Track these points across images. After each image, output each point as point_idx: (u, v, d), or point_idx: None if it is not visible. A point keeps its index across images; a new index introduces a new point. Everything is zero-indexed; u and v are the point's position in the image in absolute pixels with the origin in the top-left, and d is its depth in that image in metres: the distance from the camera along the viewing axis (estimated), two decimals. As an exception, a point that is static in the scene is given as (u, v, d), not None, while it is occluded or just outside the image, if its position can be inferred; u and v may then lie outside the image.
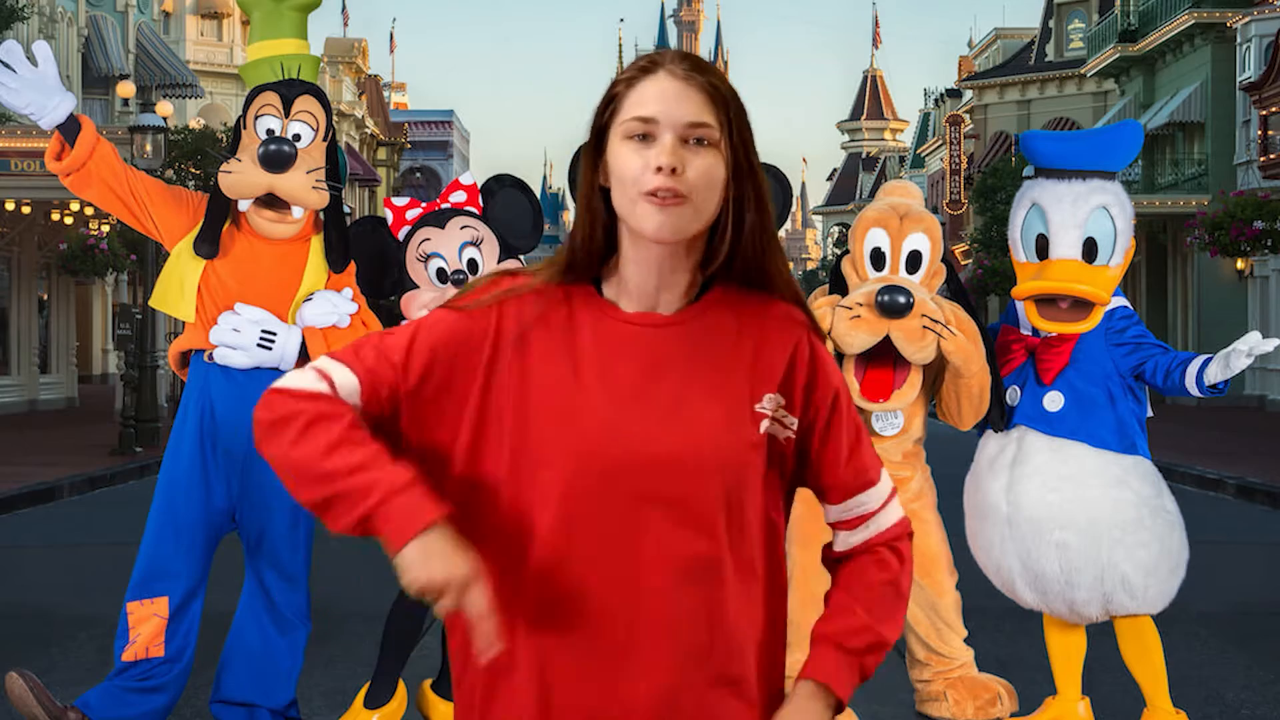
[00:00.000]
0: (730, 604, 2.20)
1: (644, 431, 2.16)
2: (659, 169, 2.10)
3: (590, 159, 2.21)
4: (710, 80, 2.16)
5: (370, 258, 5.68)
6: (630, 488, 2.15)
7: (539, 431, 2.17)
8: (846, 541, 2.36)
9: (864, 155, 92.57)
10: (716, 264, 2.21)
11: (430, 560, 2.03)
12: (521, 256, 5.71)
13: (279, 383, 2.19)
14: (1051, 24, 50.86)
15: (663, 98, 2.14)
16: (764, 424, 2.22)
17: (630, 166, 2.13)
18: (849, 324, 5.55)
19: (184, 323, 5.62)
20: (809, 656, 2.27)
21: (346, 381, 2.17)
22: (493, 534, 2.19)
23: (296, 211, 5.53)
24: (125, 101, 31.97)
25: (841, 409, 2.29)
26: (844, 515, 2.35)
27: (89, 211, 24.41)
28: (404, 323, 2.40)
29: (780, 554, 2.31)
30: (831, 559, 2.39)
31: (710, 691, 2.19)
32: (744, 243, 2.20)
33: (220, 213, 5.51)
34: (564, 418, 2.16)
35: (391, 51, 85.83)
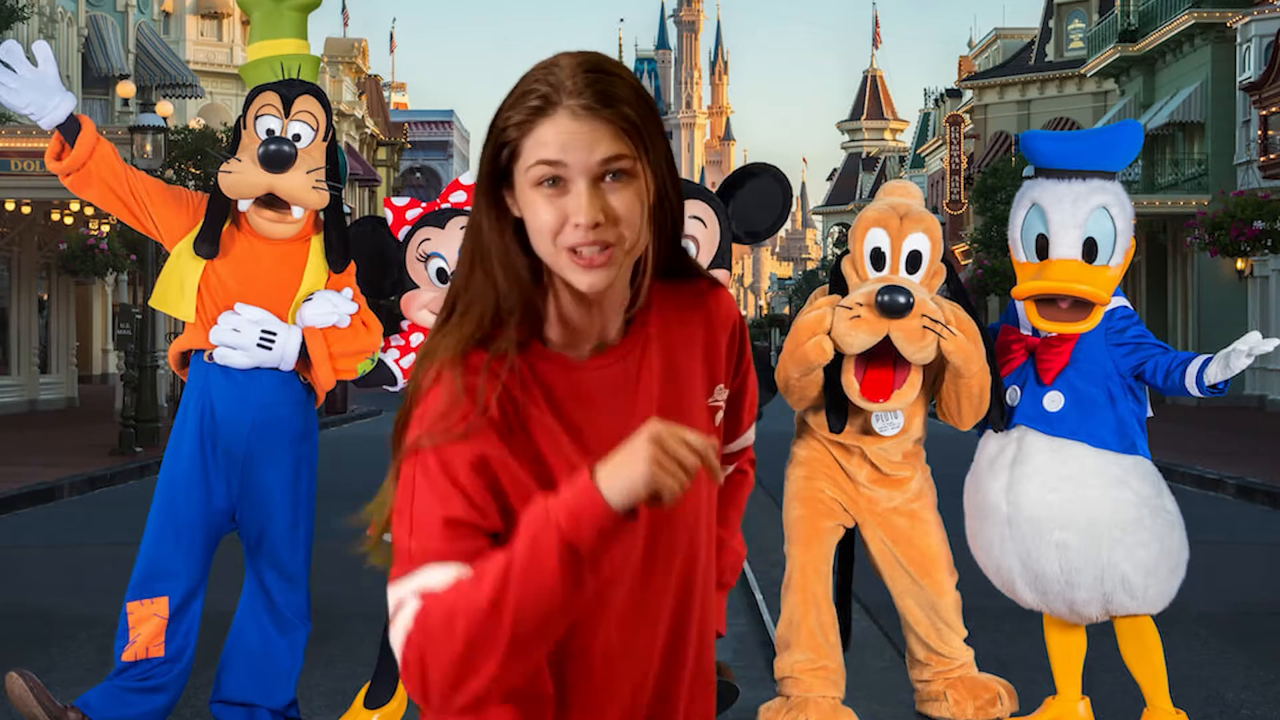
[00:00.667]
0: (709, 601, 2.18)
1: None
2: (578, 225, 1.90)
3: (490, 203, 1.97)
4: (618, 110, 1.91)
5: (370, 258, 5.68)
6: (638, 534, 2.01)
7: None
8: (725, 469, 2.42)
9: (864, 155, 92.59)
10: (644, 280, 2.05)
11: (623, 470, 1.77)
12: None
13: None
14: (1051, 24, 50.85)
15: (567, 141, 1.89)
16: (718, 416, 2.18)
17: (546, 220, 1.92)
18: (849, 324, 5.55)
19: (184, 323, 5.62)
20: None
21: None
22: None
23: (296, 211, 5.53)
24: (125, 101, 31.96)
25: (750, 365, 2.29)
26: (733, 449, 2.40)
27: (89, 211, 24.41)
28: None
29: None
30: None
31: (691, 687, 2.17)
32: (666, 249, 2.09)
33: (220, 213, 5.51)
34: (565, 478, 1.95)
35: (391, 51, 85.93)
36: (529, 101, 1.91)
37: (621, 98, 1.92)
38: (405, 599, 1.88)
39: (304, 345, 5.54)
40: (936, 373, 5.76)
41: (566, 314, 2.00)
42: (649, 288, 2.07)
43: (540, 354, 2.01)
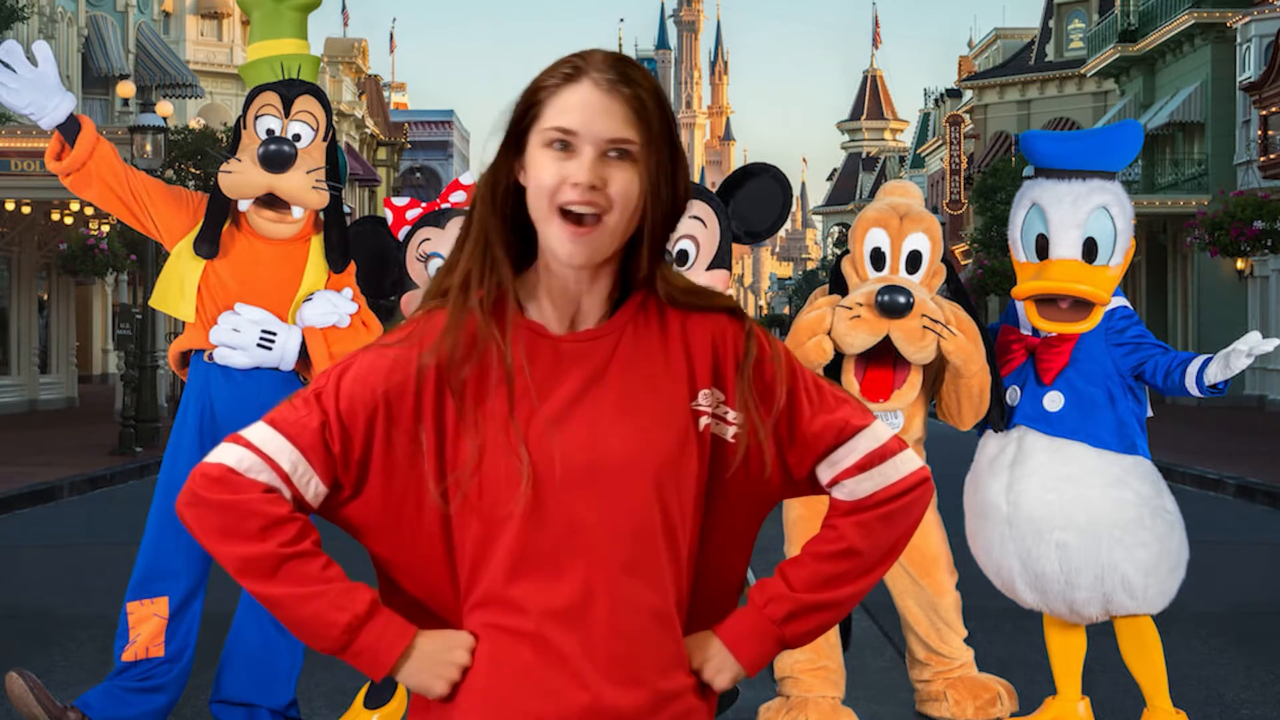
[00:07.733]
0: (667, 609, 2.15)
1: (585, 443, 2.10)
2: (576, 184, 2.06)
3: (506, 158, 2.14)
4: (635, 92, 2.10)
5: (370, 258, 5.68)
6: (572, 504, 2.09)
7: (488, 463, 2.10)
8: (853, 491, 2.27)
9: (864, 155, 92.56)
10: (640, 276, 2.16)
11: (431, 669, 2.15)
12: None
13: (221, 462, 2.18)
14: (1051, 24, 50.84)
15: (585, 109, 2.07)
16: (703, 420, 2.17)
17: (548, 176, 2.08)
18: (849, 324, 5.55)
19: (184, 323, 5.63)
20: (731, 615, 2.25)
21: (293, 460, 2.16)
22: (438, 561, 2.21)
23: (296, 211, 5.53)
24: (125, 101, 31.92)
25: (798, 382, 2.22)
26: (834, 470, 2.25)
27: (89, 211, 24.39)
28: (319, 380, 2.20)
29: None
30: (841, 511, 2.27)
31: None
32: (664, 260, 2.16)
33: (220, 213, 5.51)
34: (509, 447, 2.09)
35: (391, 51, 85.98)
36: (562, 70, 2.11)
37: (641, 84, 2.11)
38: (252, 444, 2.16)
39: (304, 345, 5.54)
40: (936, 373, 5.76)
41: (551, 292, 2.15)
42: (643, 273, 2.17)
43: (518, 320, 2.15)
